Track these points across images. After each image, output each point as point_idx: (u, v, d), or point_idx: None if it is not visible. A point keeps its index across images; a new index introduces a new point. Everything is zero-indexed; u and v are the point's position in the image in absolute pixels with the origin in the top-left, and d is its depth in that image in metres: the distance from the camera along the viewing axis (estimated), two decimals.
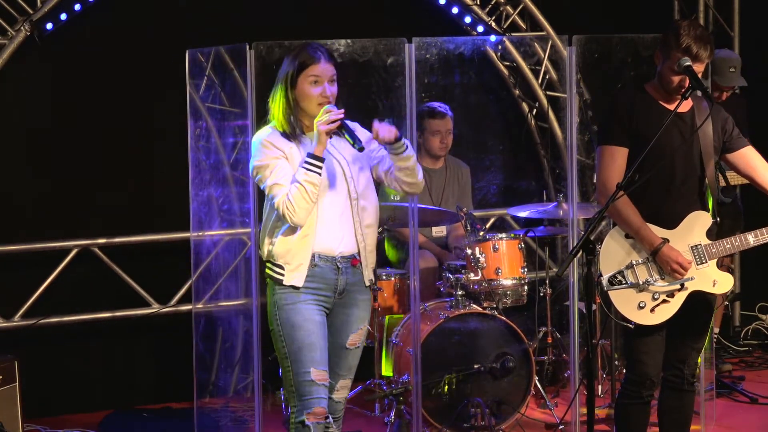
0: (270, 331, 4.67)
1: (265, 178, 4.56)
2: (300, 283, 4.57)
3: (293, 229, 4.56)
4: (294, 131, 4.59)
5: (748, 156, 4.98)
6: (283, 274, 4.59)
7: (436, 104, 7.03)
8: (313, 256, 4.58)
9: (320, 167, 4.50)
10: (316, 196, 4.51)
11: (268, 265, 4.65)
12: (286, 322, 4.58)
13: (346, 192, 4.64)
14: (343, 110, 4.54)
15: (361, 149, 4.54)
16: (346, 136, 4.57)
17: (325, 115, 4.50)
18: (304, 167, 4.49)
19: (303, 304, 4.58)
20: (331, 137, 4.56)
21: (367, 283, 4.72)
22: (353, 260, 4.66)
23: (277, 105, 4.63)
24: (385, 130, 4.54)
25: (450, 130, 7.03)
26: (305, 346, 4.56)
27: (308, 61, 4.58)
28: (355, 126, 4.71)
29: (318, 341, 4.58)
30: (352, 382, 4.81)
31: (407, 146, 4.63)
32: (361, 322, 4.74)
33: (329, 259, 4.61)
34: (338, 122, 4.51)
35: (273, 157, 4.55)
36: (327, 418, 4.64)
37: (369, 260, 4.71)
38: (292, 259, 4.57)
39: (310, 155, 4.50)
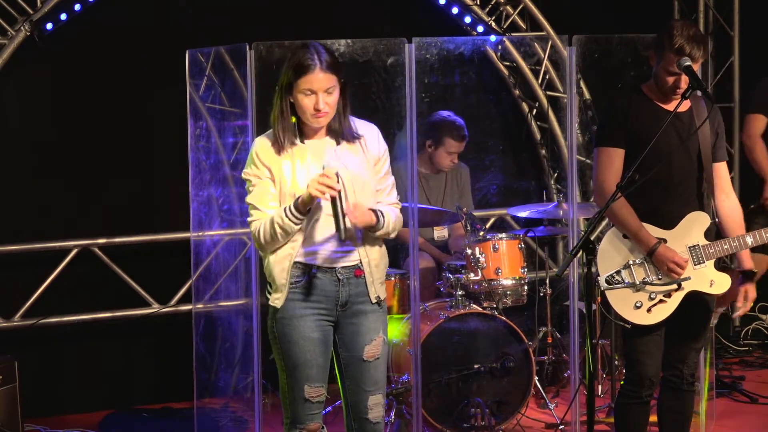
0: (270, 339, 4.57)
1: (248, 192, 4.48)
2: (279, 305, 4.45)
3: (277, 250, 4.44)
4: (288, 141, 4.41)
5: (719, 172, 4.99)
6: (270, 293, 4.51)
7: (459, 121, 6.92)
8: (312, 269, 4.44)
9: (300, 220, 4.34)
10: (287, 239, 4.38)
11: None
12: (283, 337, 4.47)
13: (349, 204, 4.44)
14: (340, 188, 4.30)
15: (341, 240, 4.33)
16: (334, 215, 4.32)
17: (323, 182, 4.26)
18: (285, 212, 4.35)
19: (299, 320, 4.45)
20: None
21: (374, 300, 4.53)
22: (356, 271, 4.49)
23: (274, 110, 4.45)
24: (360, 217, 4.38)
25: (461, 151, 7.01)
26: (300, 363, 4.45)
27: (303, 69, 4.35)
28: (370, 133, 4.55)
29: (313, 359, 4.45)
30: (384, 397, 4.62)
31: (383, 224, 4.46)
32: (374, 332, 4.54)
33: (329, 270, 4.46)
34: (331, 198, 4.31)
35: (256, 176, 4.43)
36: (323, 428, 4.57)
37: (375, 275, 4.53)
38: (274, 281, 4.47)
39: (296, 205, 4.33)
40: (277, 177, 4.43)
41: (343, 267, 4.48)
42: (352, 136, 4.51)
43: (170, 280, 7.16)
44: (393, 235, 4.60)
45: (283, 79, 4.43)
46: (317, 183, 4.28)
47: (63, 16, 6.89)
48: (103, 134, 7.12)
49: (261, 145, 4.46)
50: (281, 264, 4.44)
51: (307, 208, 4.35)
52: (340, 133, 4.48)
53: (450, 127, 6.88)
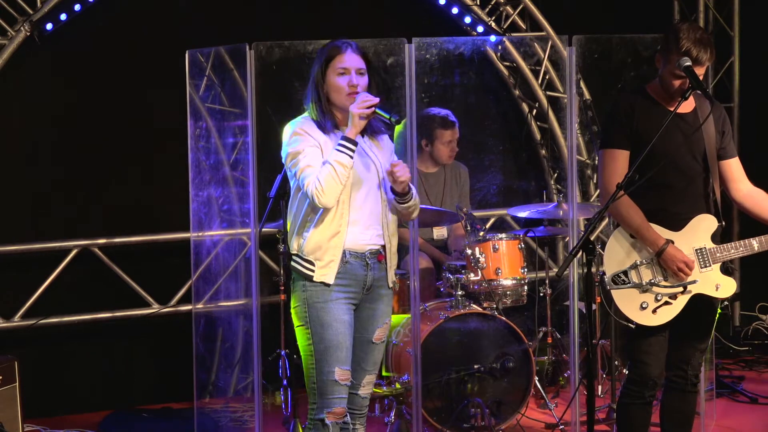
0: (296, 327, 4.68)
1: (298, 162, 4.57)
2: (331, 280, 4.60)
3: (325, 226, 4.58)
4: (327, 124, 4.63)
5: (732, 167, 4.98)
6: (313, 270, 4.61)
7: (443, 112, 6.95)
8: (344, 253, 4.61)
9: (352, 150, 4.53)
10: (346, 178, 4.53)
11: (296, 259, 4.66)
12: (316, 320, 4.61)
13: (379, 193, 4.69)
14: (378, 98, 4.58)
15: (397, 121, 4.60)
16: (380, 113, 4.61)
17: (362, 101, 4.55)
18: (336, 149, 4.52)
19: (334, 303, 4.61)
20: (366, 119, 4.58)
21: (390, 285, 4.78)
22: (379, 256, 4.70)
23: (310, 102, 4.67)
24: (403, 170, 4.61)
25: (457, 138, 7.01)
26: (332, 345, 4.60)
27: (333, 53, 4.63)
28: (383, 139, 4.80)
29: (345, 340, 4.62)
30: (376, 377, 4.86)
31: (413, 195, 4.72)
32: (386, 316, 4.79)
33: (359, 255, 4.65)
34: (373, 108, 4.55)
35: (308, 145, 4.58)
36: (345, 416, 4.67)
37: (392, 262, 4.77)
38: (322, 256, 4.60)
39: (344, 138, 4.54)
40: (324, 151, 4.59)
41: (370, 251, 4.67)
42: (377, 131, 4.75)
43: (170, 280, 7.16)
44: (414, 215, 4.84)
45: (316, 73, 4.65)
46: (358, 107, 4.52)
47: (63, 16, 6.89)
48: (103, 134, 7.11)
49: (305, 123, 4.65)
50: (331, 240, 4.59)
51: (355, 135, 4.54)
52: (367, 126, 4.67)
53: (434, 119, 6.90)
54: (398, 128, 6.12)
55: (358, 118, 4.54)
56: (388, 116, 4.60)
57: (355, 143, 4.55)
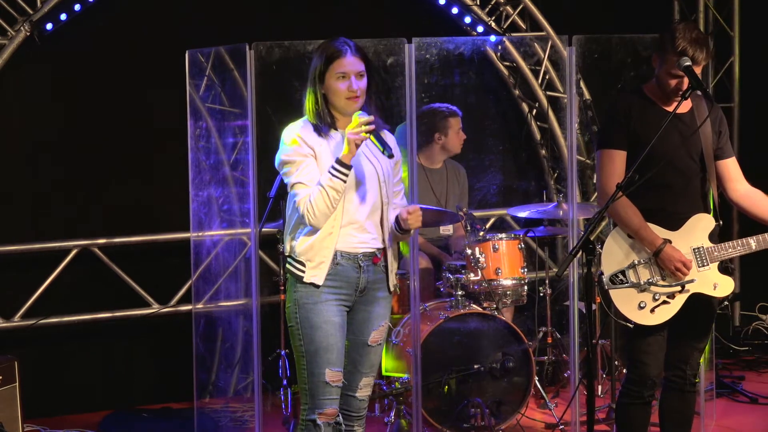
0: (288, 327, 4.67)
1: (291, 174, 4.55)
2: (320, 282, 4.56)
3: (316, 227, 4.56)
4: (325, 126, 4.58)
5: (729, 167, 4.99)
6: (303, 271, 4.58)
7: (443, 104, 7.03)
8: (335, 254, 4.58)
9: (346, 174, 4.48)
10: (338, 202, 4.49)
11: (289, 260, 4.64)
12: (305, 321, 4.58)
13: (378, 196, 4.64)
14: (373, 124, 4.49)
15: (390, 156, 4.56)
16: (375, 142, 4.56)
17: (357, 126, 4.47)
18: (330, 172, 4.48)
19: (323, 305, 4.58)
20: (360, 145, 4.52)
21: (392, 289, 4.75)
22: (374, 258, 4.66)
23: (308, 101, 4.62)
24: (416, 220, 4.61)
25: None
26: (322, 347, 4.57)
27: (334, 55, 4.55)
28: (385, 134, 4.72)
29: (335, 342, 4.59)
30: (374, 379, 4.84)
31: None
32: (382, 319, 4.73)
33: (351, 257, 4.61)
34: (369, 135, 4.48)
35: (301, 155, 4.54)
36: (338, 416, 4.65)
37: (393, 265, 4.74)
38: (313, 257, 4.57)
39: (338, 161, 4.48)
40: (319, 158, 4.56)
41: (363, 254, 4.63)
42: (378, 126, 4.65)
43: (170, 280, 7.16)
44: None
45: (314, 72, 4.59)
46: (354, 129, 4.45)
47: (63, 16, 6.89)
48: (103, 134, 7.12)
49: (303, 128, 4.60)
50: (322, 241, 4.55)
51: (349, 159, 4.48)
52: None
53: (441, 110, 6.96)
54: (399, 128, 6.14)
55: (353, 144, 4.47)
56: (382, 148, 4.56)
57: (350, 167, 4.48)
